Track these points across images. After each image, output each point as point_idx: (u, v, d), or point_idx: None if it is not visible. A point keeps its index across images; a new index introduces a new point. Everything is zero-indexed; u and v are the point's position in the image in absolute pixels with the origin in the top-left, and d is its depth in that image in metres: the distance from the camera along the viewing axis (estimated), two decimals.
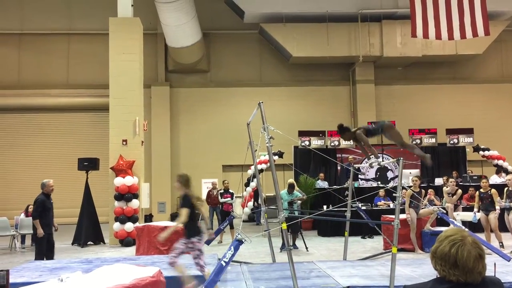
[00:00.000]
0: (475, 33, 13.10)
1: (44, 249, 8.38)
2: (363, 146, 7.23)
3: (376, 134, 7.48)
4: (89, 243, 12.51)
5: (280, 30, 19.25)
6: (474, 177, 14.85)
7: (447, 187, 11.38)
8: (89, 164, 13.17)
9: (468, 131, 17.82)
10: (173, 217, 19.00)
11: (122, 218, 12.08)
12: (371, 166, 7.41)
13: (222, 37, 21.13)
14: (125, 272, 3.74)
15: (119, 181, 12.20)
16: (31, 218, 12.22)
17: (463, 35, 13.16)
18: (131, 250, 10.71)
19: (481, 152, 17.33)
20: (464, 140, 17.70)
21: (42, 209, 8.24)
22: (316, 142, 17.72)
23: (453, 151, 18.24)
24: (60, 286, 3.33)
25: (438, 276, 1.96)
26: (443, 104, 20.70)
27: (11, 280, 3.96)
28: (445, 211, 10.08)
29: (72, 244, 12.48)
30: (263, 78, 21.08)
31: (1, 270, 3.80)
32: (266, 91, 19.99)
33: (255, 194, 15.43)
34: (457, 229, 2.01)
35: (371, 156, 7.25)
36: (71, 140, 19.93)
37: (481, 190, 10.08)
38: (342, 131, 7.15)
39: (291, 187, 11.12)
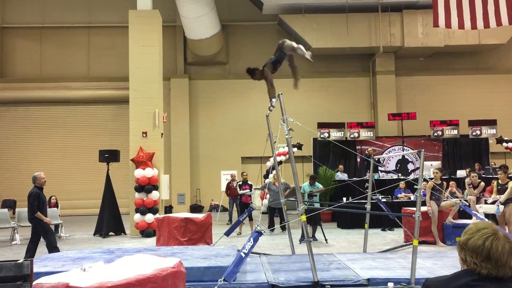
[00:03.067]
0: (499, 22, 12.78)
1: (54, 239, 8.33)
2: (268, 85, 7.00)
3: (281, 59, 7.34)
4: (110, 233, 12.67)
5: (299, 21, 19.12)
6: (497, 169, 14.59)
7: (468, 179, 11.21)
8: (110, 156, 13.31)
9: (491, 123, 17.51)
10: (193, 208, 19.15)
11: (143, 209, 12.19)
12: None
13: (240, 29, 21.08)
14: (146, 263, 3.77)
15: (139, 172, 12.30)
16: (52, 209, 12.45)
17: (486, 24, 12.86)
18: (152, 241, 10.82)
19: (504, 144, 17.02)
20: (487, 131, 17.41)
21: (39, 202, 8.18)
22: (335, 134, 17.64)
23: (475, 143, 17.97)
24: (83, 276, 3.37)
25: (462, 269, 1.92)
26: (465, 95, 20.34)
27: (35, 270, 4.04)
28: (467, 204, 9.94)
29: (94, 234, 12.66)
30: (282, 69, 20.73)
31: (26, 260, 3.87)
32: (285, 82, 19.57)
33: None
34: (487, 222, 1.97)
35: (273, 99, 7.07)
36: (92, 132, 20.19)
37: (499, 181, 9.90)
38: (252, 73, 7.11)
39: (312, 179, 11.12)
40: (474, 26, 12.92)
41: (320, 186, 11.24)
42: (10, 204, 17.45)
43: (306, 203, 9.43)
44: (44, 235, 8.12)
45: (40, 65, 20.88)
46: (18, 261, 3.83)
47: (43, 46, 20.95)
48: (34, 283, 3.46)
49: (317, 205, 10.64)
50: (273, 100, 6.94)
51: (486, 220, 8.01)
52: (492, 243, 1.82)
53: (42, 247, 8.28)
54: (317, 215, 10.16)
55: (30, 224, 8.38)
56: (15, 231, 11.85)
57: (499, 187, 9.84)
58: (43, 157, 19.79)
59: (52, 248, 7.97)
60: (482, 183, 10.73)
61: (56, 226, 12.31)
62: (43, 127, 20.40)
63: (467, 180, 11.26)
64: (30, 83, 20.32)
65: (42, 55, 20.91)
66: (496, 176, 13.47)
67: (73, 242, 11.58)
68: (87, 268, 3.54)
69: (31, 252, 8.04)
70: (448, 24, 13.02)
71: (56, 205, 13.44)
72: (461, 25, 12.96)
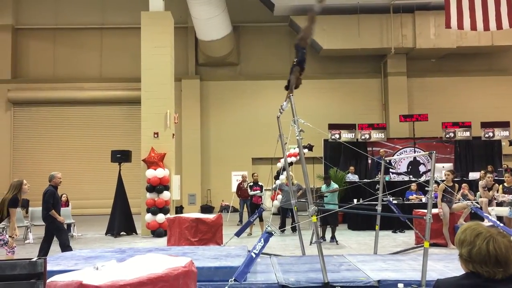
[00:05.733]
0: (511, 24, 12.68)
1: (67, 238, 8.38)
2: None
3: (303, 56, 7.13)
4: (122, 233, 12.76)
5: None
6: (504, 171, 14.46)
7: (483, 181, 11.09)
8: (121, 156, 13.40)
9: (504, 125, 17.34)
10: (203, 209, 19.20)
11: (154, 209, 12.26)
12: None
13: (252, 30, 21.12)
14: (158, 262, 3.81)
15: (150, 173, 12.38)
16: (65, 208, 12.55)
17: (499, 26, 12.76)
18: (163, 240, 10.87)
19: None
20: (499, 133, 17.24)
21: (53, 200, 8.22)
22: (346, 135, 17.58)
23: (488, 145, 17.80)
24: (96, 274, 3.41)
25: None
26: (478, 97, 20.18)
27: (48, 268, 4.09)
28: (479, 206, 9.88)
29: (106, 234, 12.76)
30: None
31: (39, 258, 3.93)
32: None
33: None
34: (475, 223, 1.96)
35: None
36: (104, 132, 20.37)
37: (505, 184, 9.85)
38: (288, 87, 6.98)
39: (327, 179, 11.14)
40: (486, 27, 12.81)
41: (336, 185, 11.28)
42: (24, 204, 17.56)
43: (320, 204, 9.46)
44: (57, 234, 8.19)
45: (53, 66, 21.09)
46: (32, 260, 3.88)
47: (56, 47, 21.16)
48: (48, 281, 3.52)
49: (334, 206, 10.60)
50: (284, 103, 6.93)
51: (498, 223, 7.95)
52: (494, 246, 1.80)
53: (55, 246, 8.36)
54: (335, 216, 10.16)
55: (43, 223, 8.46)
56: (29, 230, 11.99)
57: (505, 190, 9.82)
58: (55, 157, 19.98)
59: (65, 247, 8.04)
60: (496, 185, 10.67)
61: (69, 225, 12.42)
62: (55, 127, 20.60)
63: (481, 182, 11.12)
64: (43, 83, 20.56)
65: (55, 56, 21.12)
66: None
67: (85, 241, 11.69)
68: (99, 267, 3.58)
69: (44, 250, 8.12)
70: (460, 25, 12.93)
71: (66, 204, 13.52)
72: (473, 26, 12.86)
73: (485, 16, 12.67)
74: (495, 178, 13.58)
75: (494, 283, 1.81)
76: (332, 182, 11.29)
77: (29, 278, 3.80)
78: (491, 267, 1.80)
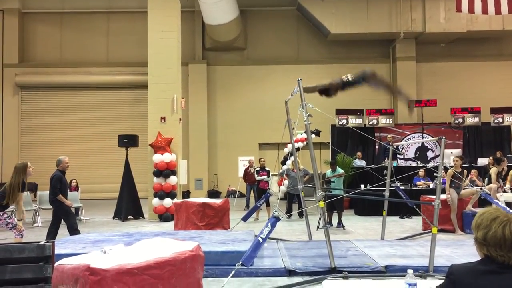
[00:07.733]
0: None
1: (75, 221, 8.39)
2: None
3: (354, 85, 7.01)
4: (129, 217, 12.83)
5: (318, 6, 18.89)
6: None
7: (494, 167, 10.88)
8: (128, 141, 13.42)
9: None
10: (210, 194, 19.26)
11: (161, 194, 12.30)
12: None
13: (259, 14, 20.92)
14: (165, 246, 3.81)
15: (157, 157, 12.39)
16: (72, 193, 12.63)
17: (511, 9, 12.57)
18: (170, 225, 10.93)
19: None
20: (509, 119, 17.11)
21: (61, 185, 8.19)
22: (354, 121, 17.51)
23: (497, 131, 17.69)
24: (103, 258, 3.42)
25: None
26: (488, 82, 19.95)
27: (56, 251, 4.11)
28: (488, 192, 9.81)
29: (113, 218, 12.84)
30: (301, 55, 20.83)
31: (47, 241, 3.94)
32: (304, 68, 19.75)
33: None
34: (493, 208, 1.93)
35: None
36: (111, 117, 20.40)
37: None
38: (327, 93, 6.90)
39: (333, 165, 11.12)
40: (498, 11, 12.63)
41: (341, 170, 11.26)
42: (32, 187, 17.75)
43: (328, 190, 9.41)
44: (65, 217, 8.22)
45: (60, 50, 21.08)
46: (40, 243, 3.90)
47: (63, 31, 21.12)
48: (55, 264, 3.53)
49: (340, 192, 10.56)
50: (295, 88, 6.87)
51: (508, 209, 7.89)
52: (510, 230, 1.78)
53: (63, 230, 8.41)
54: (341, 201, 10.14)
55: (51, 207, 8.50)
56: (37, 214, 12.08)
57: None
58: (63, 141, 20.06)
59: (73, 230, 8.08)
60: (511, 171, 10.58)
61: (77, 209, 12.49)
62: (63, 111, 20.65)
63: (494, 169, 10.87)
64: (51, 68, 20.58)
65: (62, 40, 21.09)
66: None
67: (93, 225, 11.77)
68: (107, 251, 3.59)
69: (52, 234, 8.16)
70: (471, 9, 12.75)
71: (76, 189, 13.64)
72: (484, 10, 12.68)
73: (497, 0, 12.47)
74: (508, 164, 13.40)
75: (510, 269, 1.78)
76: (337, 167, 11.26)
77: (37, 261, 3.82)
78: (506, 252, 1.78)
